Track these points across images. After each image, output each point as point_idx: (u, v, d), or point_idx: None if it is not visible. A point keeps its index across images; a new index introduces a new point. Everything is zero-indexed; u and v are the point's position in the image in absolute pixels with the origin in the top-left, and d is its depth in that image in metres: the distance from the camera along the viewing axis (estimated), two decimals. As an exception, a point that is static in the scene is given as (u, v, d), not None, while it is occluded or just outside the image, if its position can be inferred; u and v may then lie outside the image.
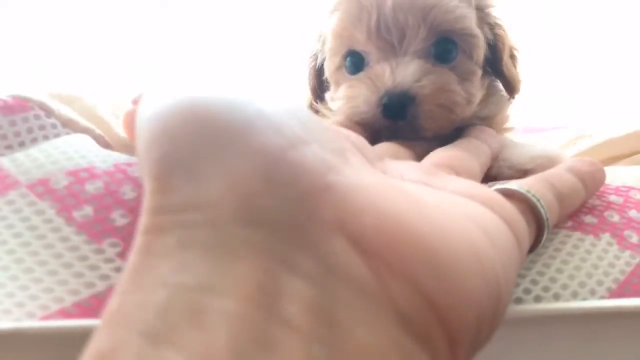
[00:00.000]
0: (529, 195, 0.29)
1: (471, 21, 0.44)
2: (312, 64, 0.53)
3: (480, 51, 0.46)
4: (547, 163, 0.41)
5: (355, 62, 0.45)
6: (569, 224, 0.34)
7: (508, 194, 0.28)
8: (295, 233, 0.16)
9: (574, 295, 0.30)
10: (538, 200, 0.29)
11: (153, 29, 1.35)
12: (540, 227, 0.29)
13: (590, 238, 0.33)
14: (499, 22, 0.49)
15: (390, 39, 0.43)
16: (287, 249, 0.15)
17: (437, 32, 0.43)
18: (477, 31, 0.45)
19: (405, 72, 0.41)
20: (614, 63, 0.91)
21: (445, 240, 0.18)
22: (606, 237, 0.33)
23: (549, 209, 0.29)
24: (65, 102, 0.34)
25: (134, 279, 0.15)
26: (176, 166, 0.16)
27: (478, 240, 0.19)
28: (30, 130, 0.30)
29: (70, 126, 0.32)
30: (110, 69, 1.24)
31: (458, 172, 0.31)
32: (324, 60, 0.49)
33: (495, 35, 0.48)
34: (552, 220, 0.30)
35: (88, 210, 0.27)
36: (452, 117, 0.43)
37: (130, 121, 0.28)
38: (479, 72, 0.47)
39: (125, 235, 0.26)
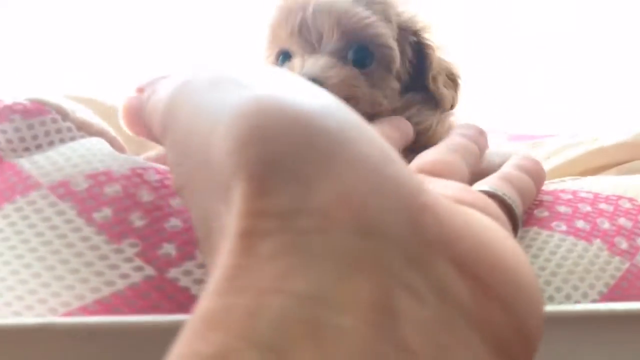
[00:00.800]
0: (505, 197, 0.31)
1: (383, 31, 0.48)
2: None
3: (396, 64, 0.49)
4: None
5: (284, 60, 0.50)
6: (563, 228, 0.36)
7: (488, 196, 0.30)
8: (406, 249, 0.16)
9: (568, 298, 0.32)
10: (513, 202, 0.31)
11: (154, 28, 1.35)
12: (514, 225, 0.31)
13: (582, 243, 0.35)
14: (428, 42, 0.52)
15: (310, 39, 0.47)
16: (400, 265, 0.15)
17: (351, 37, 0.47)
18: (393, 44, 0.49)
19: (314, 64, 0.45)
20: (608, 68, 0.93)
21: (521, 263, 0.19)
22: (598, 242, 0.35)
23: (517, 206, 0.32)
24: (82, 104, 0.35)
25: (235, 281, 0.14)
26: (278, 168, 0.16)
27: (524, 257, 0.20)
28: (47, 134, 0.31)
29: (85, 129, 0.33)
30: (112, 70, 1.24)
31: (443, 176, 0.33)
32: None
33: (423, 54, 0.51)
34: (520, 216, 0.32)
35: (107, 211, 0.28)
36: (354, 106, 0.44)
37: (134, 112, 0.27)
38: (395, 83, 0.50)
39: (143, 236, 0.27)
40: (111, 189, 0.29)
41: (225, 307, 0.14)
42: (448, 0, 1.31)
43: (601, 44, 0.94)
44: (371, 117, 0.47)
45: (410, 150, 0.48)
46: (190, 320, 0.14)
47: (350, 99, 0.45)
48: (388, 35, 0.48)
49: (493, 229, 0.20)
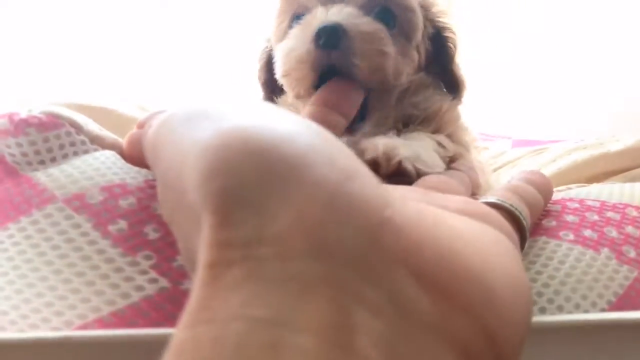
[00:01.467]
0: (512, 208, 0.31)
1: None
2: (263, 60, 0.55)
3: (418, 33, 0.48)
4: None
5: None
6: (571, 237, 0.36)
7: (495, 207, 0.30)
8: (362, 265, 0.16)
9: (577, 307, 0.32)
10: (520, 213, 0.31)
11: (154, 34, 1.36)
12: (522, 236, 0.31)
13: (590, 252, 0.35)
14: (448, 26, 0.52)
15: None
16: (355, 282, 0.16)
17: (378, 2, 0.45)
18: (416, 6, 0.47)
19: (339, 11, 0.43)
20: (613, 73, 0.93)
21: (495, 272, 0.19)
22: (605, 251, 0.35)
23: (525, 217, 0.32)
24: (98, 114, 0.35)
25: (203, 312, 0.15)
26: (240, 199, 0.16)
27: (513, 268, 0.20)
28: (61, 147, 0.32)
29: (97, 142, 0.34)
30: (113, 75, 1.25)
31: (446, 193, 0.33)
32: (273, 55, 0.51)
33: (444, 37, 0.51)
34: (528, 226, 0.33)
35: (122, 224, 0.28)
36: (383, 63, 0.44)
37: (135, 144, 0.29)
38: (415, 56, 0.49)
39: (158, 248, 0.28)
40: (126, 202, 0.29)
41: (193, 338, 0.15)
42: (453, 4, 1.32)
43: (606, 49, 0.94)
44: (388, 91, 0.46)
45: (421, 126, 0.48)
46: (165, 354, 0.15)
47: (380, 53, 0.43)
48: (417, 9, 0.47)
49: (466, 238, 0.20)
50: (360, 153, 0.40)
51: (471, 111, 0.56)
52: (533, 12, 1.11)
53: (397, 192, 0.28)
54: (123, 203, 0.29)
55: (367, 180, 0.18)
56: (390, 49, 0.44)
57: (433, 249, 0.18)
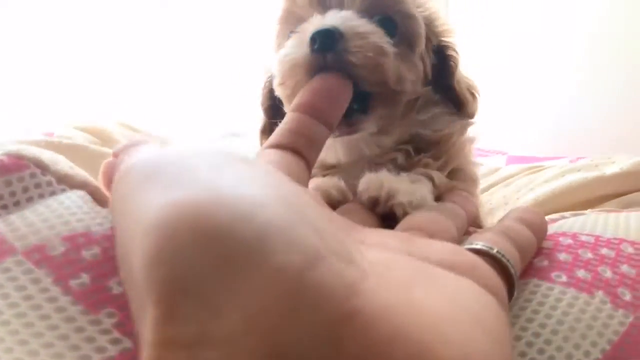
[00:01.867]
0: (500, 256, 0.30)
1: (410, 5, 0.46)
2: (266, 89, 0.54)
3: (420, 41, 0.47)
4: None
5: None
6: (564, 279, 0.35)
7: (482, 254, 0.29)
8: None
9: (569, 358, 0.31)
10: (508, 261, 0.30)
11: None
12: (509, 284, 0.30)
13: (584, 296, 0.33)
14: (451, 45, 0.51)
15: (329, 4, 0.45)
16: None
17: (374, 4, 0.45)
18: (417, 14, 0.46)
19: (335, 15, 0.42)
20: (605, 93, 0.92)
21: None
22: (600, 295, 0.34)
23: (514, 265, 0.31)
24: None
25: None
26: (185, 291, 0.15)
27: (497, 348, 0.19)
28: (25, 190, 0.30)
29: (66, 182, 0.32)
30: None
31: (433, 235, 0.32)
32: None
33: (445, 55, 0.50)
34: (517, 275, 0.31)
35: (85, 278, 0.26)
36: (382, 61, 0.42)
37: (108, 175, 0.28)
38: (419, 64, 0.47)
39: (122, 305, 0.26)
40: (89, 252, 0.27)
41: None
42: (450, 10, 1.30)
43: (604, 67, 0.93)
44: (393, 97, 0.44)
45: (431, 157, 0.47)
46: None
47: (378, 50, 0.42)
48: (414, 6, 0.46)
49: (447, 321, 0.18)
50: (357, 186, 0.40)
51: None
52: (528, 30, 1.10)
53: (375, 238, 0.27)
54: (86, 254, 0.27)
55: (333, 263, 0.16)
56: (390, 49, 0.43)
57: (406, 348, 0.16)
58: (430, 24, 0.49)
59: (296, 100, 0.37)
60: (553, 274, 0.35)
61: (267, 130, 0.55)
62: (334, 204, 0.40)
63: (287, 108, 0.46)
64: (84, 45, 1.31)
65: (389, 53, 0.42)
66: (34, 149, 0.32)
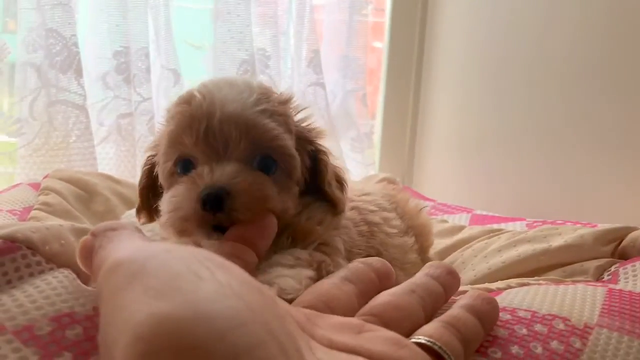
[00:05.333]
0: (442, 351, 0.32)
1: (288, 143, 0.51)
2: (147, 167, 0.57)
3: (297, 171, 0.52)
4: None
5: (185, 167, 0.50)
6: (499, 355, 0.39)
7: (425, 349, 0.32)
8: None
9: None
10: (450, 357, 0.33)
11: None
12: None
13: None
14: (322, 149, 0.56)
15: (216, 146, 0.48)
16: None
17: (257, 147, 0.49)
18: (294, 152, 0.52)
19: (222, 171, 0.46)
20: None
21: None
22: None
23: (457, 358, 0.33)
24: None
25: None
26: None
27: None
28: (17, 269, 0.34)
29: (54, 260, 0.36)
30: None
31: (388, 323, 0.34)
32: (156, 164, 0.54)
33: (317, 160, 0.56)
34: None
35: (68, 356, 0.30)
36: (268, 207, 0.47)
37: (86, 255, 0.31)
38: (296, 189, 0.53)
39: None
40: (73, 332, 0.31)
41: None
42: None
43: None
44: (280, 226, 0.47)
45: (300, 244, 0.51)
46: None
47: (262, 199, 0.47)
48: (291, 146, 0.51)
49: None
50: None
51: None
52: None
53: (326, 332, 0.30)
54: (70, 333, 0.31)
55: None
56: (271, 191, 0.48)
57: None
58: (304, 136, 0.55)
59: (229, 233, 0.44)
60: (489, 350, 0.39)
61: (142, 210, 0.58)
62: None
63: (171, 234, 0.50)
64: None
65: (272, 197, 0.48)
66: (28, 230, 0.36)
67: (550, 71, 1.00)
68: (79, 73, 1.09)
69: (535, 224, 0.77)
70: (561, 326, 0.42)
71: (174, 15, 1.22)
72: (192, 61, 1.31)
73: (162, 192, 0.54)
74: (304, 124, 0.56)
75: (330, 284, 0.39)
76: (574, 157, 0.94)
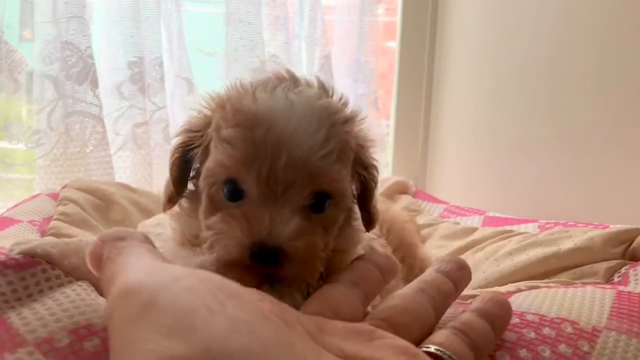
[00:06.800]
0: None
1: (347, 185, 0.49)
2: (177, 155, 0.52)
3: (349, 205, 0.51)
4: None
5: (233, 191, 0.46)
6: (507, 358, 0.39)
7: (435, 357, 0.33)
8: None
9: None
10: None
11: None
12: None
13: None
14: (374, 162, 0.54)
15: (276, 189, 0.45)
16: None
17: (317, 191, 0.46)
18: (350, 192, 0.51)
19: (283, 227, 0.43)
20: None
21: None
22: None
23: None
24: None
25: None
26: None
27: None
28: (37, 283, 0.35)
29: (73, 274, 0.37)
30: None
31: (398, 329, 0.35)
32: (193, 152, 0.51)
33: (368, 174, 0.54)
34: None
35: (86, 367, 0.31)
36: (311, 271, 0.46)
37: (97, 262, 0.32)
38: (340, 220, 0.51)
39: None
40: (90, 343, 0.32)
41: None
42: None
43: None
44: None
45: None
46: None
47: (314, 260, 0.45)
48: (349, 185, 0.50)
49: None
50: None
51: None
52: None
53: (336, 342, 0.31)
54: (88, 345, 0.32)
55: None
56: (321, 250, 0.46)
57: None
58: (360, 160, 0.52)
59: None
60: (497, 353, 0.39)
61: (174, 201, 0.54)
62: None
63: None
64: None
65: (320, 254, 0.46)
66: (47, 245, 0.37)
67: (563, 72, 1.00)
68: (94, 84, 1.11)
69: (547, 226, 0.78)
70: (569, 329, 0.43)
71: (186, 21, 1.23)
72: (205, 68, 1.32)
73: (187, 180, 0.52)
74: (361, 141, 0.53)
75: (335, 290, 0.40)
76: (586, 158, 0.94)
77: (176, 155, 0.52)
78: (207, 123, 0.51)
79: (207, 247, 0.46)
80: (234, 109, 0.47)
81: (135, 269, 0.28)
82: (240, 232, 0.44)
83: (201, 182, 0.49)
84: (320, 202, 0.47)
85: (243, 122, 0.46)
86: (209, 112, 0.51)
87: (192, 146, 0.51)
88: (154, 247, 0.33)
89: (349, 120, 0.51)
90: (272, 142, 0.44)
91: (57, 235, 0.70)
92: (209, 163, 0.48)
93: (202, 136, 0.51)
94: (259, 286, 0.43)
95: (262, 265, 0.43)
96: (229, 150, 0.46)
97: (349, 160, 0.50)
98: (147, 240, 0.34)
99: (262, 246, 0.42)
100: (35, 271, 0.36)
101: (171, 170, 0.53)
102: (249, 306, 0.24)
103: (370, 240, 0.64)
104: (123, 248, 0.31)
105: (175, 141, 0.53)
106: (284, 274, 0.43)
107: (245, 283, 0.31)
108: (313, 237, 0.45)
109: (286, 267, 0.43)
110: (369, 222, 0.55)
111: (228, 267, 0.43)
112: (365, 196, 0.54)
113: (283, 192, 0.45)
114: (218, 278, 0.26)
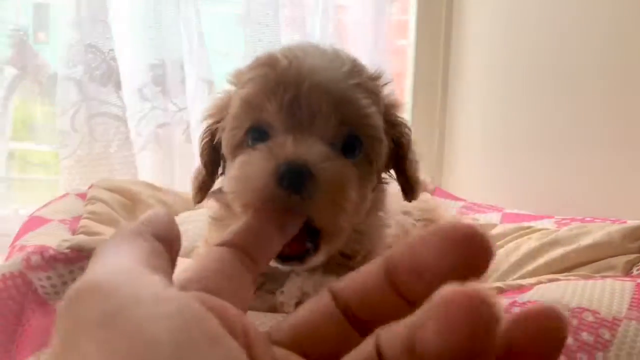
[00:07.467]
0: None
1: (379, 124, 0.45)
2: (207, 139, 0.51)
3: (382, 159, 0.47)
4: None
5: (258, 137, 0.43)
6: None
7: None
8: None
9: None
10: None
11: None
12: None
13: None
14: (404, 121, 0.52)
15: (301, 118, 0.42)
16: None
17: (346, 125, 0.43)
18: (384, 136, 0.46)
19: (309, 147, 0.40)
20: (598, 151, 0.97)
21: None
22: (560, 361, 0.40)
23: None
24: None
25: None
26: None
27: None
28: (85, 276, 0.38)
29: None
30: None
31: None
32: (221, 135, 0.48)
33: (400, 133, 0.51)
34: None
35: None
36: (340, 219, 0.41)
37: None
38: (374, 181, 0.48)
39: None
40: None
41: None
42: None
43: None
44: (340, 233, 0.43)
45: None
46: None
47: (344, 195, 0.41)
48: (382, 128, 0.46)
49: None
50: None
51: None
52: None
53: None
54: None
55: None
56: (354, 187, 0.42)
57: None
58: (390, 118, 0.50)
59: (232, 234, 0.28)
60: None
61: (205, 188, 0.51)
62: None
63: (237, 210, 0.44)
64: None
65: (352, 197, 0.42)
66: (91, 241, 0.39)
67: (579, 69, 1.01)
68: (117, 86, 1.14)
69: (564, 222, 0.79)
70: (591, 318, 0.44)
71: (205, 23, 1.25)
72: (223, 69, 1.34)
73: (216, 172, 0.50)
74: (390, 100, 0.50)
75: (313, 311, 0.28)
76: (603, 154, 0.95)
77: (206, 140, 0.51)
78: (229, 100, 0.49)
79: (230, 196, 0.43)
80: (255, 61, 0.46)
81: (109, 263, 0.20)
82: (260, 158, 0.40)
83: (225, 135, 0.47)
84: (350, 144, 0.44)
85: (263, 64, 0.44)
86: (231, 88, 0.50)
87: (219, 127, 0.49)
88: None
89: (377, 78, 0.49)
90: (295, 71, 0.42)
91: (88, 233, 0.72)
92: (231, 110, 0.46)
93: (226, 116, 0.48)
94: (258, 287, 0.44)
95: (289, 191, 0.37)
96: (249, 90, 0.44)
97: (378, 105, 0.46)
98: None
99: (288, 165, 0.38)
100: (82, 265, 0.38)
101: (202, 154, 0.51)
102: (230, 354, 0.18)
103: (406, 221, 0.62)
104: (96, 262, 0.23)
105: (203, 125, 0.52)
106: (310, 206, 0.38)
107: (269, 239, 0.28)
108: (345, 169, 0.42)
109: (315, 193, 0.38)
110: (409, 189, 0.51)
111: (251, 198, 0.39)
112: (400, 156, 0.51)
113: (309, 122, 0.42)
114: (204, 314, 0.18)
